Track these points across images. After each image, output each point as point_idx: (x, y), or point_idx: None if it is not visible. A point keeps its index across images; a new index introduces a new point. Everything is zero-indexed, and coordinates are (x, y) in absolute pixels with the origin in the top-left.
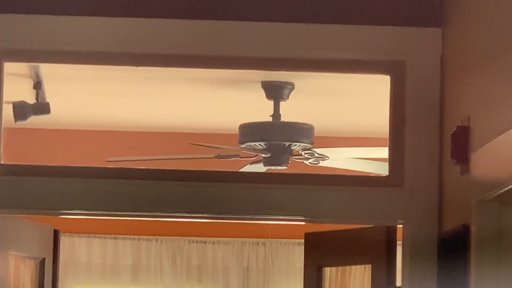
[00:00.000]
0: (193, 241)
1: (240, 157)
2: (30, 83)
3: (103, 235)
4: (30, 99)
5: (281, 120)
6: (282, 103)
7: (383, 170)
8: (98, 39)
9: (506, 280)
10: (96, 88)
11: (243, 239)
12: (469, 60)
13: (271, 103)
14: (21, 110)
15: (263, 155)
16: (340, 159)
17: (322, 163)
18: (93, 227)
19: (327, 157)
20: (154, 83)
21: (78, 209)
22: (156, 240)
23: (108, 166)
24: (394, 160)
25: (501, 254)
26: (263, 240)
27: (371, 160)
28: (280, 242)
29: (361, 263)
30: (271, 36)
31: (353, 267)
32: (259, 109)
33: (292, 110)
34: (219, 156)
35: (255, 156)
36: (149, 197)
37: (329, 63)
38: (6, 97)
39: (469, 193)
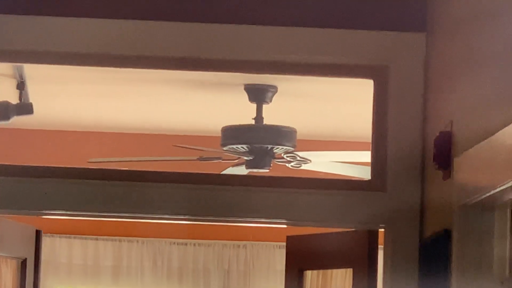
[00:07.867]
0: (174, 243)
1: (222, 160)
2: (13, 83)
3: (84, 236)
4: (13, 99)
5: (264, 123)
6: (265, 106)
7: (365, 174)
8: (82, 40)
9: (487, 285)
10: (79, 89)
11: (224, 242)
12: (452, 66)
13: (254, 106)
14: (4, 110)
15: (245, 158)
16: (322, 163)
17: (304, 167)
18: (74, 228)
19: (309, 160)
20: (137, 84)
21: (60, 210)
22: (137, 241)
23: (90, 167)
24: (376, 164)
25: (482, 259)
26: (244, 242)
27: (353, 164)
28: (261, 245)
29: (342, 267)
30: (254, 39)
31: (335, 270)
32: (242, 112)
33: (274, 113)
34: (201, 159)
35: (237, 159)
36: (131, 198)
37: (312, 67)
38: None
39: (451, 198)
